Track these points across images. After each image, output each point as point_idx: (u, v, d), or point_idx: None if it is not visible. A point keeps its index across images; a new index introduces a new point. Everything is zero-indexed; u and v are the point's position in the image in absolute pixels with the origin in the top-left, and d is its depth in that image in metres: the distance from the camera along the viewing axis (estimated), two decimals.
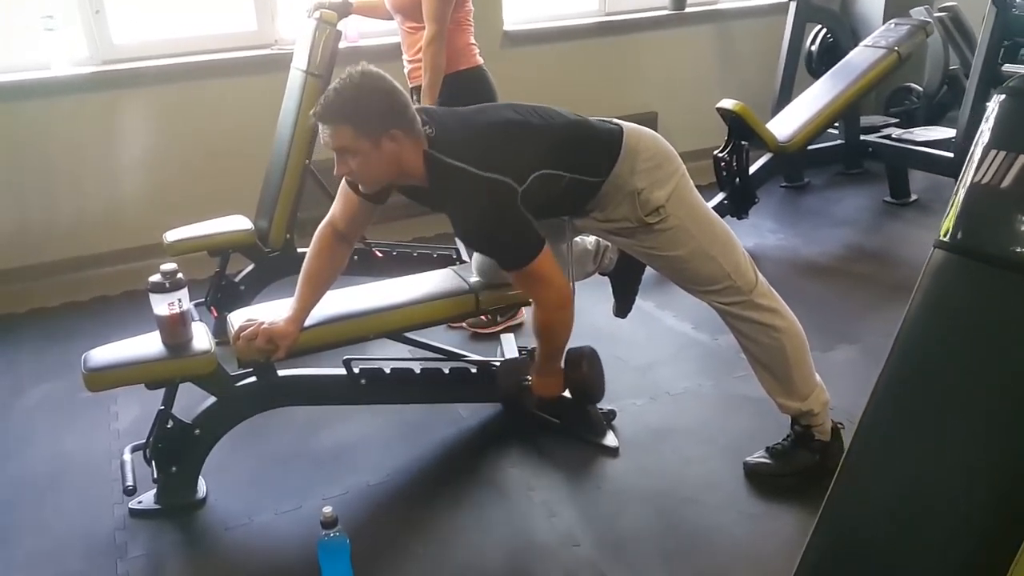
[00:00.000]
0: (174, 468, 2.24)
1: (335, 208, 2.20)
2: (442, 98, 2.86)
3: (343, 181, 2.16)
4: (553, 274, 2.07)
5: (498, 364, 2.45)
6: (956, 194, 1.19)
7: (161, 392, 2.20)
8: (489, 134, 2.07)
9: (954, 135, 3.94)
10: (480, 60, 3.06)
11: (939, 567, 1.17)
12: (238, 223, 3.09)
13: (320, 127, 1.96)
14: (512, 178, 1.96)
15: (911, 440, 1.24)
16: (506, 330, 3.02)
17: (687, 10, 4.73)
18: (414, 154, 1.98)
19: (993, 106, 1.19)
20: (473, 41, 3.04)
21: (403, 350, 2.55)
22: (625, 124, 2.17)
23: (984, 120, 1.19)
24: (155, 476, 2.22)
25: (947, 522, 1.16)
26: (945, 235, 1.20)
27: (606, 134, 2.13)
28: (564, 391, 2.31)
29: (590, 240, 2.59)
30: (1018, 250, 1.11)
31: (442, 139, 2.00)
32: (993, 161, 1.14)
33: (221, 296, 3.11)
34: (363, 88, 1.92)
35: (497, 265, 2.32)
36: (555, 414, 2.50)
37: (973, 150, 1.18)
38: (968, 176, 1.17)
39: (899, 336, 1.26)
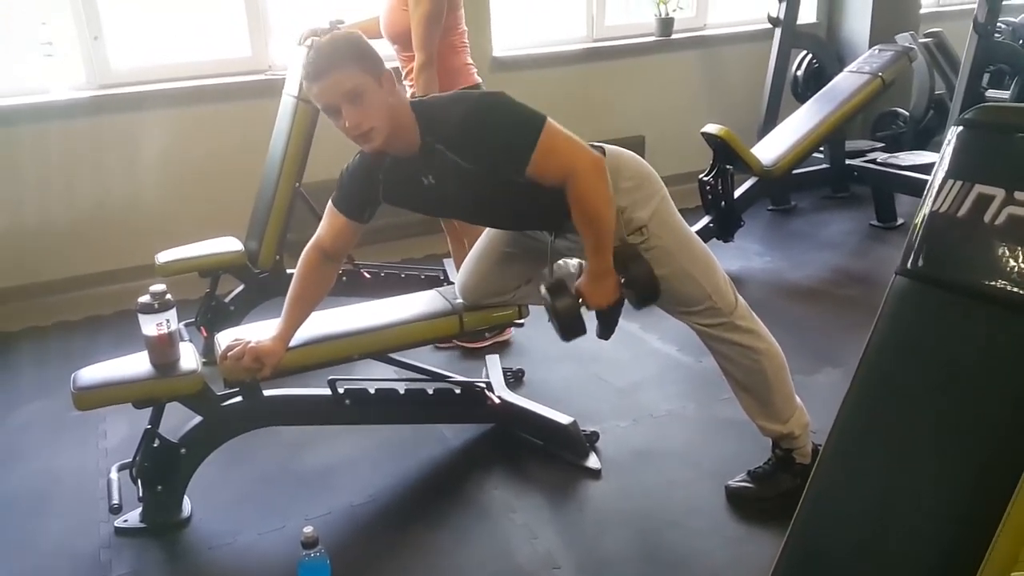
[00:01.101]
0: (160, 487, 2.25)
1: (321, 229, 2.23)
2: None
3: (330, 203, 2.19)
4: (570, 138, 1.94)
5: (543, 291, 2.07)
6: (915, 222, 1.23)
7: (148, 411, 2.22)
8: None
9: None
10: (478, 79, 3.08)
11: None
12: (229, 244, 3.13)
13: (316, 91, 1.92)
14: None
15: (875, 459, 1.28)
16: (493, 346, 3.05)
17: (674, 36, 4.80)
18: (403, 107, 1.98)
19: (950, 137, 1.23)
20: (469, 61, 3.06)
21: (388, 370, 2.58)
22: (606, 146, 2.19)
23: (942, 151, 1.23)
24: (141, 495, 2.24)
25: (911, 539, 1.19)
26: (905, 262, 1.23)
27: None
28: (619, 295, 2.08)
29: (573, 263, 2.62)
30: (974, 278, 1.14)
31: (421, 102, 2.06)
32: (950, 191, 1.18)
33: (211, 316, 3.14)
34: (350, 36, 1.98)
35: (483, 280, 2.35)
36: (542, 437, 2.53)
37: (932, 180, 1.22)
38: (927, 205, 1.21)
39: (863, 360, 1.29)
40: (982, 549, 1.09)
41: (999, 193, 1.12)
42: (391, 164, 2.08)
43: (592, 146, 2.19)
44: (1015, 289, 1.09)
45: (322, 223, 2.23)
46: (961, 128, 1.21)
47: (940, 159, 1.22)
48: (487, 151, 1.94)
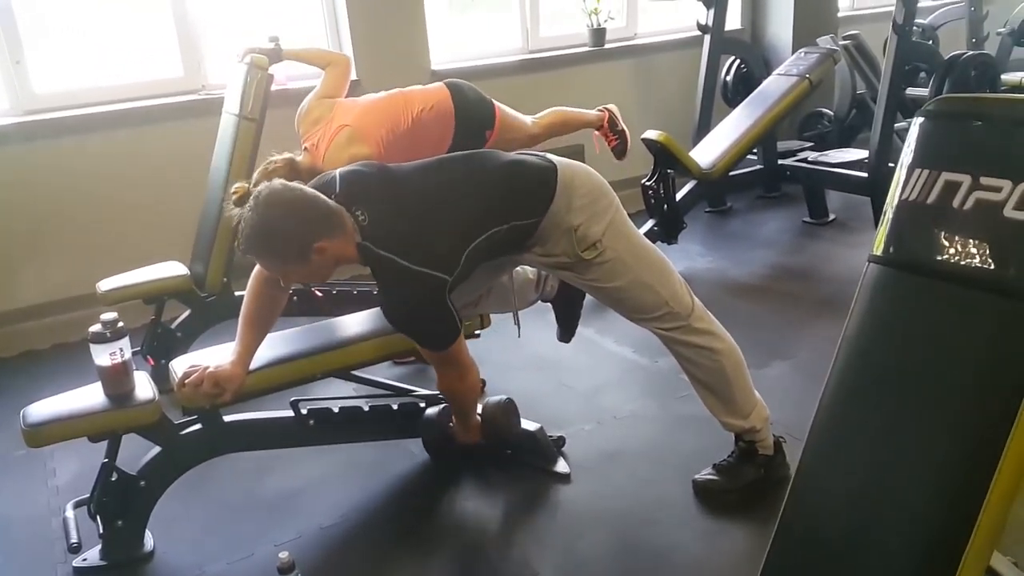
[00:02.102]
0: (120, 522, 2.17)
1: None
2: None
3: None
4: (462, 358, 2.15)
5: (421, 419, 2.49)
6: (886, 211, 1.27)
7: (101, 445, 2.14)
8: (421, 213, 2.06)
9: (866, 156, 4.14)
10: (448, 108, 2.94)
11: (891, 566, 1.23)
12: (173, 269, 3.05)
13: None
14: (443, 270, 1.98)
15: (858, 448, 1.31)
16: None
17: (607, 46, 4.89)
18: (345, 248, 2.00)
19: (913, 128, 1.28)
20: (433, 119, 2.93)
21: (347, 389, 2.54)
22: (558, 160, 2.21)
23: (906, 141, 1.28)
24: (100, 531, 2.16)
25: (898, 527, 1.23)
26: (878, 250, 1.27)
27: (541, 174, 2.16)
28: (480, 439, 2.40)
29: (531, 271, 2.64)
30: (943, 259, 1.19)
31: (374, 228, 2.01)
32: (918, 179, 1.22)
33: (157, 344, 3.06)
34: (271, 219, 1.92)
35: None
36: (508, 445, 2.53)
37: (899, 170, 1.27)
38: (896, 194, 1.26)
39: (841, 347, 1.33)
40: (968, 525, 1.14)
41: (966, 179, 1.17)
42: None
43: (544, 158, 2.21)
44: (985, 269, 1.14)
45: None
46: (923, 119, 1.26)
47: (905, 149, 1.27)
48: (405, 329, 2.11)
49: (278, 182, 1.98)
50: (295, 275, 2.05)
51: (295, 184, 2.00)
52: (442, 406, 2.46)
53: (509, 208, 2.12)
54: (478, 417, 2.38)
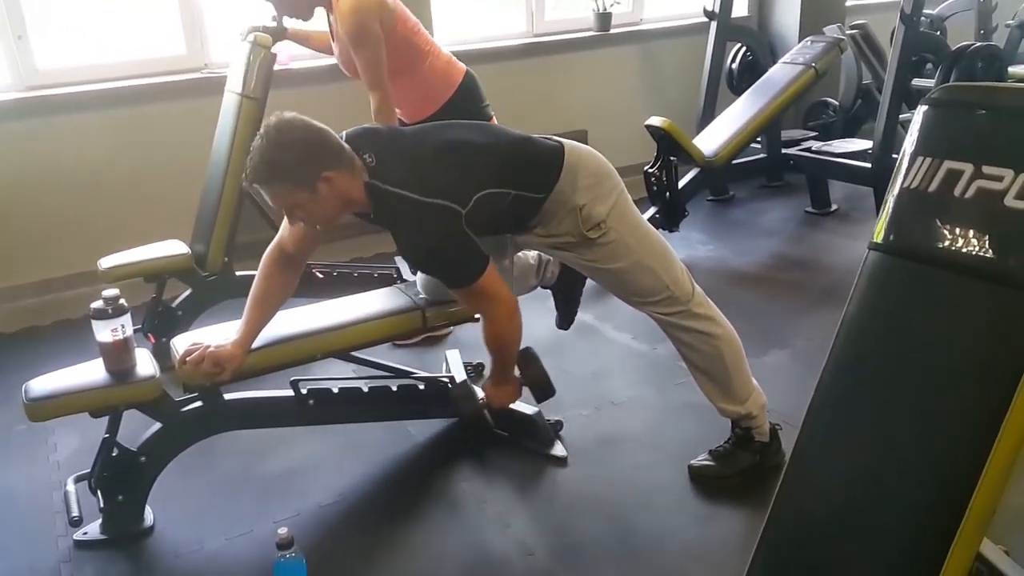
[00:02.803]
0: (120, 497, 2.19)
1: (283, 230, 2.20)
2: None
3: None
4: (499, 289, 2.09)
5: (451, 388, 2.42)
6: (887, 199, 1.27)
7: (102, 421, 2.15)
8: (431, 158, 2.08)
9: (870, 146, 4.13)
10: (460, 70, 2.95)
11: (884, 553, 1.24)
12: (174, 248, 3.05)
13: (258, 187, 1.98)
14: (455, 202, 1.98)
15: (854, 433, 1.32)
16: (428, 339, 3.07)
17: (612, 31, 4.87)
18: (353, 183, 1.98)
19: (917, 116, 1.28)
20: (445, 61, 2.92)
21: (347, 370, 2.55)
22: (565, 142, 2.22)
23: (909, 129, 1.28)
24: (101, 506, 2.17)
25: (890, 511, 1.23)
26: (878, 237, 1.28)
27: (548, 151, 2.18)
28: (520, 396, 2.33)
29: (532, 255, 2.64)
30: (944, 247, 1.19)
31: (383, 167, 2.01)
32: (920, 167, 1.23)
33: (158, 322, 3.06)
34: (281, 144, 1.91)
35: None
36: (506, 427, 2.54)
37: (902, 158, 1.27)
38: (897, 182, 1.26)
39: (839, 334, 1.33)
40: (959, 511, 1.14)
41: (968, 168, 1.17)
42: None
43: (551, 139, 2.22)
44: (985, 257, 1.15)
45: (283, 225, 2.20)
46: (927, 107, 1.26)
47: (908, 138, 1.27)
48: (430, 268, 2.12)
49: (289, 113, 1.96)
50: (301, 207, 1.96)
51: (306, 117, 1.99)
52: (467, 380, 2.42)
53: (518, 175, 2.12)
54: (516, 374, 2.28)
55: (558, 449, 2.49)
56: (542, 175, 2.14)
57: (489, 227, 2.13)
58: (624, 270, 2.20)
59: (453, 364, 2.72)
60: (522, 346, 2.29)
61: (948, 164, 1.19)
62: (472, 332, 2.54)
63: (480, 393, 2.34)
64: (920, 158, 1.23)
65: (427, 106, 2.89)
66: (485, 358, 2.95)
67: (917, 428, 1.21)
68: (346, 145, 2.00)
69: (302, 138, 1.93)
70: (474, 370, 2.89)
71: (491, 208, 2.06)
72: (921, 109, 1.27)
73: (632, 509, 2.27)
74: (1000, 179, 1.12)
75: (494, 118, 2.99)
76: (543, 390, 2.32)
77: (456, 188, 2.00)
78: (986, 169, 1.15)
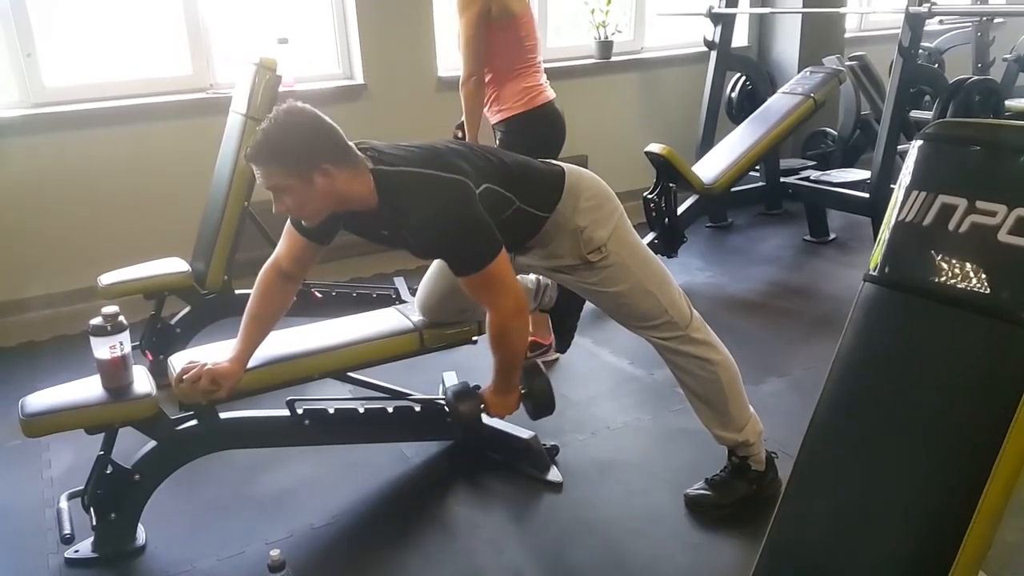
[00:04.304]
0: (113, 515, 2.18)
1: (280, 248, 2.20)
2: (509, 137, 3.09)
3: (288, 222, 2.17)
4: (511, 278, 2.03)
5: (450, 394, 2.31)
6: (882, 231, 1.29)
7: (97, 438, 2.15)
8: (435, 152, 2.06)
9: (868, 177, 4.16)
10: (545, 98, 3.14)
11: None
12: (175, 265, 3.06)
13: (253, 167, 1.95)
14: (466, 176, 1.96)
15: (848, 465, 1.32)
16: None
17: (613, 59, 4.92)
18: (353, 182, 1.95)
19: (912, 150, 1.29)
20: (533, 84, 3.11)
21: (346, 390, 2.55)
22: (566, 165, 2.24)
23: (905, 163, 1.29)
24: (93, 523, 2.16)
25: (885, 544, 1.24)
26: (873, 269, 1.29)
27: (550, 173, 2.20)
28: (518, 408, 2.26)
29: (530, 278, 2.65)
30: (938, 280, 1.20)
31: (388, 156, 2.00)
32: (915, 201, 1.24)
33: (156, 339, 3.07)
34: (287, 127, 1.91)
35: (443, 297, 2.34)
36: (501, 451, 2.53)
37: (897, 191, 1.28)
38: (892, 215, 1.27)
39: (834, 365, 1.34)
40: (955, 546, 1.15)
41: (962, 203, 1.18)
42: (349, 212, 2.07)
43: (552, 163, 2.24)
44: (979, 292, 1.16)
45: (280, 243, 2.21)
46: (923, 142, 1.28)
47: (903, 171, 1.29)
48: (436, 251, 2.05)
49: (300, 103, 1.96)
50: (291, 195, 1.92)
51: (318, 111, 1.98)
52: (466, 384, 2.31)
53: (520, 189, 2.11)
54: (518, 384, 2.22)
55: (553, 474, 2.49)
56: (543, 193, 2.15)
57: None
58: (623, 294, 2.21)
59: (449, 385, 2.71)
60: (480, 419, 2.27)
61: (943, 198, 1.20)
62: (468, 354, 2.55)
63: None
64: (915, 192, 1.24)
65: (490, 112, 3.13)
66: (483, 381, 2.97)
67: (911, 461, 1.21)
68: (352, 144, 1.99)
69: (310, 125, 1.93)
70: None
71: (496, 209, 2.02)
72: (916, 143, 1.29)
73: (626, 535, 2.26)
74: (994, 214, 1.14)
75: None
76: (544, 406, 2.25)
77: (466, 170, 1.99)
78: (980, 204, 1.16)
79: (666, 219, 3.92)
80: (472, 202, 1.94)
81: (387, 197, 1.97)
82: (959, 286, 1.17)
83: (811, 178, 4.48)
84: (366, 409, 2.47)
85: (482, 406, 2.24)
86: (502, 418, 2.30)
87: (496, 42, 2.98)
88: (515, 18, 3.00)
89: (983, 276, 1.15)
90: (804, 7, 5.13)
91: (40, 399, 2.11)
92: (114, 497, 2.18)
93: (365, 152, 2.00)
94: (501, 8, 2.95)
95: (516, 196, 2.10)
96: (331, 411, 2.42)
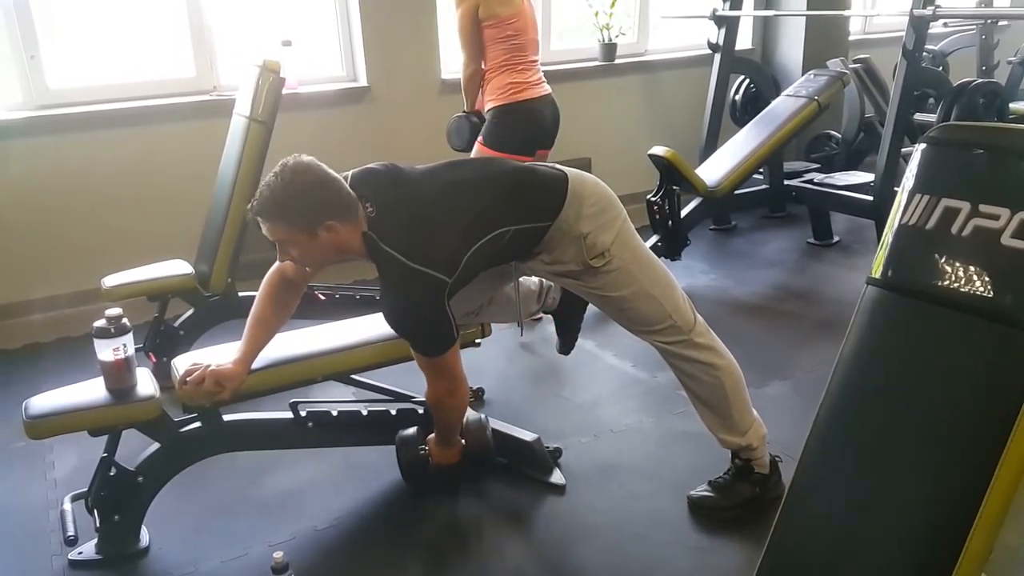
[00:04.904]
0: (117, 517, 2.19)
1: None
2: (490, 126, 3.42)
3: None
4: (455, 370, 2.14)
5: (397, 439, 2.42)
6: (886, 235, 1.29)
7: (101, 439, 2.16)
8: (429, 212, 2.06)
9: (872, 179, 4.15)
10: (531, 95, 3.42)
11: None
12: (178, 267, 3.07)
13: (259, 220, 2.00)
14: (442, 271, 1.99)
15: (851, 468, 1.32)
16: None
17: (617, 61, 4.92)
18: (352, 237, 2.02)
19: (915, 154, 1.29)
20: (519, 80, 3.39)
21: (349, 392, 2.56)
22: (569, 170, 2.24)
23: (908, 167, 1.29)
24: (97, 525, 2.17)
25: (887, 548, 1.24)
26: (876, 272, 1.29)
27: (552, 180, 2.20)
28: (459, 459, 2.36)
29: (534, 280, 2.66)
30: (941, 284, 1.20)
31: (381, 222, 2.03)
32: (918, 204, 1.24)
33: (160, 341, 3.07)
34: (293, 185, 1.94)
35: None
36: (505, 454, 2.53)
37: (900, 194, 1.28)
38: (896, 218, 1.27)
39: (837, 368, 1.34)
40: (957, 549, 1.15)
41: (965, 206, 1.18)
42: None
43: (554, 168, 2.24)
44: (982, 296, 1.15)
45: None
46: (926, 145, 1.28)
47: (907, 175, 1.29)
48: (401, 330, 2.12)
49: (307, 157, 1.99)
50: (296, 248, 2.01)
51: (324, 165, 2.02)
52: (416, 429, 2.42)
53: (517, 210, 2.13)
54: (460, 439, 2.35)
55: (556, 477, 2.49)
56: (546, 203, 2.15)
57: (489, 263, 2.15)
58: (627, 298, 2.21)
59: None
60: (475, 414, 2.38)
61: (946, 202, 1.20)
62: (471, 356, 2.54)
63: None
64: (918, 195, 1.24)
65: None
66: (485, 383, 2.98)
67: (914, 465, 1.21)
68: (354, 196, 2.01)
69: (316, 185, 1.96)
70: (474, 395, 2.89)
71: (488, 252, 2.09)
72: (920, 147, 1.29)
73: (629, 538, 2.25)
74: (997, 218, 1.14)
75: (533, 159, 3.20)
76: (479, 459, 2.41)
77: (447, 256, 2.01)
78: (983, 208, 1.16)
79: (670, 222, 3.92)
80: (438, 300, 2.00)
81: (372, 259, 2.06)
82: (962, 290, 1.17)
83: (815, 181, 4.48)
84: (369, 411, 2.48)
85: (425, 450, 2.36)
86: (443, 468, 2.36)
87: (484, 38, 3.34)
88: (501, 19, 3.31)
89: (986, 280, 1.15)
90: (808, 10, 5.12)
91: (44, 401, 2.12)
92: (118, 499, 2.18)
93: (364, 205, 2.03)
94: (487, 10, 3.30)
95: (514, 222, 2.11)
96: (334, 413, 2.42)
